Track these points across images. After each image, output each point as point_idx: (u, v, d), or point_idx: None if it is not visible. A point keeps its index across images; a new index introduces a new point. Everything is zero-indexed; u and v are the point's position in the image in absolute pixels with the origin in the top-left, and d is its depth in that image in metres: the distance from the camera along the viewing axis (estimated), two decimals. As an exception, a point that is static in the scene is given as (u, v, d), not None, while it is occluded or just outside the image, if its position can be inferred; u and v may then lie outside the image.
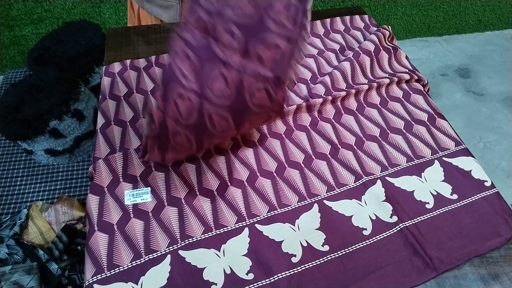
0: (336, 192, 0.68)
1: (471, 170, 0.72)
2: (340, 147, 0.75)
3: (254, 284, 0.57)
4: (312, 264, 0.59)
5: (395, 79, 0.86)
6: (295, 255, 0.60)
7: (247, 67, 0.53)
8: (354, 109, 0.82)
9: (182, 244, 0.60)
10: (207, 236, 0.62)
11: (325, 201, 0.67)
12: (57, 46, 1.75)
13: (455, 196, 0.68)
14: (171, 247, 0.60)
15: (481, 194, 0.68)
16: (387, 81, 0.85)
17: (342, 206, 0.66)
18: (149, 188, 0.67)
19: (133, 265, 0.58)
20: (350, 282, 0.58)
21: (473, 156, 0.74)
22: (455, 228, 0.64)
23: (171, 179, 0.69)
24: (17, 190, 1.59)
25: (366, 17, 1.06)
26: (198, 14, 0.52)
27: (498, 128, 1.92)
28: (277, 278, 0.58)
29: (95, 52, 1.70)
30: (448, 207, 0.66)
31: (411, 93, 0.86)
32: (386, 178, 0.70)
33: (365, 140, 0.76)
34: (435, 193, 0.68)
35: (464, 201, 0.67)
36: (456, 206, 0.66)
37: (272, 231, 0.63)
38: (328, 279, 0.58)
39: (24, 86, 1.57)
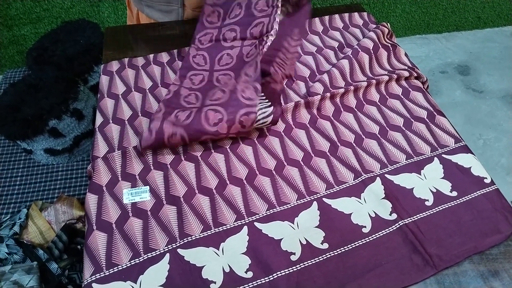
0: (335, 190, 0.68)
1: (470, 167, 0.71)
2: (339, 145, 0.75)
3: (253, 283, 0.57)
4: (311, 262, 0.59)
5: (394, 77, 0.86)
6: (294, 253, 0.60)
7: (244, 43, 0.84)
8: (353, 107, 0.82)
9: (181, 243, 0.60)
10: (206, 234, 0.62)
11: (324, 199, 0.67)
12: (56, 46, 1.74)
13: (454, 193, 0.68)
14: (170, 245, 0.60)
15: (480, 191, 0.68)
16: (386, 78, 0.85)
17: (341, 204, 0.66)
18: (148, 186, 0.67)
19: (132, 264, 0.58)
20: (349, 280, 0.58)
21: (472, 153, 0.74)
22: (454, 225, 0.63)
23: (170, 177, 0.68)
24: (17, 189, 1.59)
25: (365, 14, 1.06)
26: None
27: (497, 125, 1.91)
28: (276, 276, 0.58)
29: (94, 51, 1.69)
30: (448, 204, 0.66)
31: (411, 90, 0.85)
32: (386, 175, 0.70)
33: (364, 137, 0.76)
34: (435, 190, 0.68)
35: (463, 198, 0.67)
36: (456, 203, 0.66)
37: (271, 229, 0.63)
38: (327, 277, 0.58)
39: (23, 86, 1.57)
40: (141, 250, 0.60)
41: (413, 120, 0.79)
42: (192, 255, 0.59)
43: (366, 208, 0.66)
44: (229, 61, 0.82)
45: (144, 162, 0.70)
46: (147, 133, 0.69)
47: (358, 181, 0.69)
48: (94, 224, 0.62)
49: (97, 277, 0.57)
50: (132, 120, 0.78)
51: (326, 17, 1.04)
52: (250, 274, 0.58)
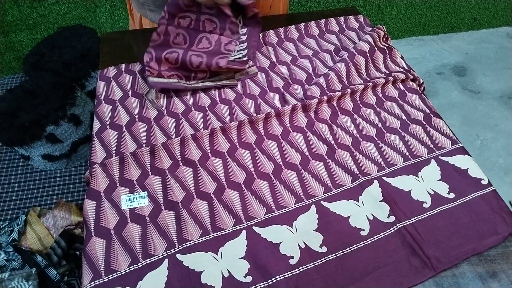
0: (333, 193, 0.68)
1: (467, 169, 0.72)
2: (337, 148, 0.75)
3: (252, 287, 0.57)
4: (310, 265, 0.59)
5: (390, 79, 0.86)
6: (293, 257, 0.60)
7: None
8: (350, 110, 0.82)
9: (180, 248, 0.60)
10: (205, 239, 0.62)
11: (322, 202, 0.67)
12: (53, 51, 1.75)
13: (452, 195, 0.68)
14: (169, 251, 0.60)
15: (478, 192, 0.68)
16: (382, 81, 0.86)
17: (339, 207, 0.66)
18: (146, 192, 0.67)
19: (131, 270, 0.58)
20: (348, 283, 0.58)
21: (469, 155, 0.74)
22: (452, 227, 0.64)
23: (168, 183, 0.69)
24: (15, 196, 1.58)
25: (360, 17, 1.07)
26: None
27: (494, 125, 1.92)
28: (275, 280, 0.58)
29: (91, 57, 1.70)
30: (445, 206, 0.66)
31: (407, 92, 0.86)
32: (383, 178, 0.70)
33: (361, 140, 0.76)
34: (432, 192, 0.68)
35: (461, 199, 0.67)
36: (453, 205, 0.67)
37: (270, 233, 0.63)
38: (326, 280, 0.58)
39: (20, 92, 1.57)
40: (140, 256, 0.60)
41: (409, 123, 0.80)
42: (191, 260, 0.59)
43: (364, 211, 0.66)
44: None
45: (142, 167, 0.71)
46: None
47: (355, 184, 0.69)
48: (92, 230, 0.62)
49: (96, 283, 0.57)
50: (130, 126, 0.78)
51: (322, 21, 1.05)
52: (249, 279, 0.58)
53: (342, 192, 0.69)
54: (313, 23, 1.04)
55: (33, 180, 1.63)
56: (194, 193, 0.67)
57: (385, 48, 0.93)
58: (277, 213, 0.65)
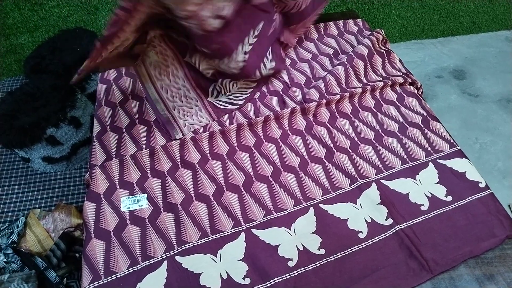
0: (331, 196, 0.69)
1: (465, 172, 0.72)
2: (335, 151, 0.75)
3: (251, 289, 0.57)
4: (308, 267, 0.60)
5: (389, 83, 0.87)
6: (291, 259, 0.60)
7: None
8: (349, 113, 0.83)
9: (179, 250, 0.61)
10: (204, 241, 0.62)
11: (320, 205, 0.67)
12: (53, 54, 1.75)
13: (449, 198, 0.68)
14: (168, 253, 0.60)
15: (475, 195, 0.69)
16: (381, 84, 0.86)
17: (338, 210, 0.67)
18: (146, 194, 0.68)
19: (130, 271, 0.59)
20: (346, 285, 0.58)
21: (467, 158, 0.75)
22: (450, 230, 0.64)
23: (167, 185, 0.69)
24: (15, 198, 1.58)
25: (359, 21, 1.07)
26: None
27: (494, 129, 1.92)
28: (273, 282, 0.58)
29: (91, 59, 1.70)
30: (443, 209, 0.67)
31: (405, 96, 0.86)
32: (381, 181, 0.71)
33: (359, 143, 0.77)
34: (430, 195, 0.68)
35: (458, 202, 0.67)
36: (451, 207, 0.67)
37: (269, 235, 0.63)
38: (324, 282, 0.58)
39: (20, 94, 1.57)
40: (139, 258, 0.60)
41: (408, 126, 0.80)
42: (190, 262, 0.59)
43: (363, 213, 0.66)
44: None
45: (142, 170, 0.71)
46: None
47: (354, 187, 0.70)
48: (92, 232, 0.63)
49: (95, 285, 0.57)
50: (130, 128, 0.78)
51: (321, 24, 1.05)
52: (247, 281, 0.58)
53: (340, 194, 0.69)
54: (312, 27, 1.05)
55: (33, 182, 1.63)
56: (193, 196, 0.68)
57: (384, 52, 0.94)
58: (276, 216, 0.66)
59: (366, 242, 0.63)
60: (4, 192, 1.60)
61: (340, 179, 0.71)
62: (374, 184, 0.70)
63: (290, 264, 0.60)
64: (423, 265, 0.60)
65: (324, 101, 0.82)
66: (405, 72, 0.92)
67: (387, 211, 0.66)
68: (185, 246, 0.61)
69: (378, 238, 0.63)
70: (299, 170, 0.72)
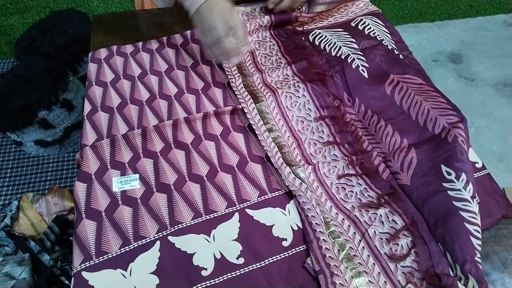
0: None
1: (462, 152, 0.71)
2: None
3: (245, 269, 0.57)
4: (303, 247, 0.59)
5: None
6: (285, 239, 0.60)
7: None
8: None
9: (172, 230, 0.60)
10: (197, 221, 0.61)
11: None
12: (45, 36, 1.72)
13: (446, 178, 0.67)
14: (161, 233, 0.60)
15: (472, 175, 0.68)
16: None
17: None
18: (138, 174, 0.66)
19: (122, 252, 0.58)
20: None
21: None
22: (445, 210, 0.63)
23: (160, 165, 0.68)
24: (7, 181, 1.57)
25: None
26: None
27: (489, 113, 1.92)
28: (267, 262, 0.57)
29: (83, 41, 1.67)
30: (439, 189, 0.66)
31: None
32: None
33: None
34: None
35: (455, 182, 0.67)
36: (447, 187, 0.66)
37: (263, 215, 0.62)
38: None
39: (11, 77, 1.54)
40: (131, 238, 0.59)
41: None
42: (183, 242, 0.59)
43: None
44: None
45: (134, 150, 0.70)
46: None
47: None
48: (83, 212, 0.62)
49: (86, 265, 0.56)
50: (121, 108, 0.77)
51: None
52: (241, 260, 0.57)
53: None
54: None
55: (26, 166, 1.62)
56: (186, 176, 0.67)
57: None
58: (270, 196, 0.65)
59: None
60: (-4, 175, 1.59)
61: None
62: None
63: (285, 244, 0.59)
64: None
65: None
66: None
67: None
68: (178, 226, 0.60)
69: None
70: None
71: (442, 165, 0.62)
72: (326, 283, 0.55)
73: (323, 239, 0.59)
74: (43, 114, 1.47)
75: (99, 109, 0.76)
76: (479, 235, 0.55)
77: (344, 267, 0.56)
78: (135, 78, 0.82)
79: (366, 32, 0.88)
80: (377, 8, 0.97)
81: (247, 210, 0.63)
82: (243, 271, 0.56)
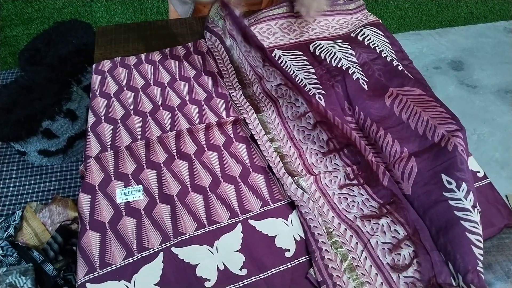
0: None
1: (463, 161, 0.71)
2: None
3: (248, 280, 0.57)
4: (306, 258, 0.59)
5: None
6: (288, 250, 0.60)
7: None
8: None
9: (175, 241, 0.60)
10: (200, 232, 0.62)
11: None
12: (48, 46, 1.73)
13: (447, 188, 0.68)
14: (164, 244, 0.60)
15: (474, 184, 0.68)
16: None
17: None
18: (141, 186, 0.67)
19: (126, 263, 0.58)
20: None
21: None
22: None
23: (163, 176, 0.68)
24: (11, 191, 1.58)
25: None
26: None
27: (491, 120, 1.92)
28: (270, 273, 0.58)
29: (87, 52, 1.68)
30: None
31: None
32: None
33: None
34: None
35: (456, 192, 0.67)
36: (449, 197, 0.66)
37: (265, 226, 0.63)
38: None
39: (15, 87, 1.56)
40: (135, 249, 0.59)
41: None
42: (186, 254, 0.59)
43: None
44: None
45: (137, 161, 0.70)
46: None
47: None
48: (87, 224, 0.62)
49: (91, 276, 0.57)
50: (125, 119, 0.77)
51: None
52: (244, 271, 0.58)
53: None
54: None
55: (29, 176, 1.63)
56: (189, 187, 0.67)
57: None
58: (273, 206, 0.65)
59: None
60: (0, 185, 1.59)
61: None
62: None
63: (288, 254, 0.60)
64: (421, 255, 0.59)
65: None
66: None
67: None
68: (181, 238, 0.61)
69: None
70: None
71: (442, 174, 0.62)
72: None
73: (326, 250, 0.59)
74: (46, 124, 1.49)
75: (103, 121, 0.77)
76: (481, 245, 0.55)
77: (347, 278, 0.56)
78: (139, 90, 0.83)
79: (366, 43, 0.89)
80: (377, 18, 0.98)
81: (250, 221, 0.63)
82: (246, 282, 0.57)
